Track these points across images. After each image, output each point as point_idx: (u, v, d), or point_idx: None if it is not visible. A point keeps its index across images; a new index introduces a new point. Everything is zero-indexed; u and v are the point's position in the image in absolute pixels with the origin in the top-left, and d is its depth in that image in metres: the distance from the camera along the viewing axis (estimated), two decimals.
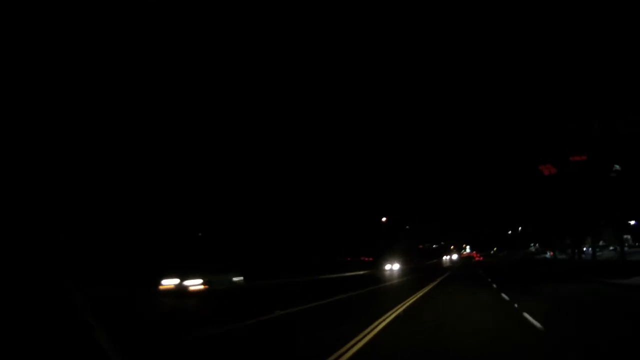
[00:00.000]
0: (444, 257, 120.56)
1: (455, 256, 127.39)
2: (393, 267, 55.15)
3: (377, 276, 39.31)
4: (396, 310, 13.05)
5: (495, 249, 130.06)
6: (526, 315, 11.03)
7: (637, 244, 56.53)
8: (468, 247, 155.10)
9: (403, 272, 49.04)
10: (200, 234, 42.16)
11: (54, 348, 7.66)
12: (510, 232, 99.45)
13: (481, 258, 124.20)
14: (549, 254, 62.83)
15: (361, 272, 44.96)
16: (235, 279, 23.55)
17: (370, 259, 68.69)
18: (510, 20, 32.56)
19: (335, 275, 37.12)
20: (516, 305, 13.61)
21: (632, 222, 50.11)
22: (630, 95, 29.29)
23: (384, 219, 69.42)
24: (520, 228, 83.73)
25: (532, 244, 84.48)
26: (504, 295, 17.19)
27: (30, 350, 7.46)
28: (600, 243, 54.33)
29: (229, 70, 35.84)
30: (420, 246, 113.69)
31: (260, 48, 36.27)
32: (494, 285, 23.27)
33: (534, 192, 47.63)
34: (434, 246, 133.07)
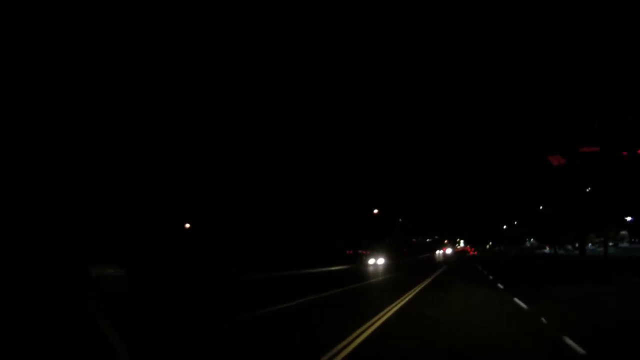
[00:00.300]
0: (437, 252, 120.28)
1: (449, 250, 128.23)
2: (378, 261, 49.48)
3: (361, 272, 35.27)
4: (373, 324, 9.58)
5: (490, 243, 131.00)
6: (571, 343, 7.22)
7: (634, 239, 57.04)
8: (462, 241, 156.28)
9: (390, 267, 43.84)
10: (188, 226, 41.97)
11: (61, 341, 7.78)
12: (505, 227, 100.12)
13: (475, 252, 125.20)
14: (547, 249, 62.72)
15: (339, 268, 39.81)
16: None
17: (368, 252, 68.25)
18: (509, 20, 32.70)
19: (306, 271, 32.67)
20: (543, 319, 9.80)
21: (629, 219, 50.70)
22: (630, 95, 29.65)
23: (375, 211, 66.58)
24: (515, 223, 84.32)
25: (528, 240, 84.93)
26: (518, 301, 13.31)
27: (40, 345, 7.65)
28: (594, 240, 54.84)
29: (226, 71, 35.72)
30: (414, 240, 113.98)
31: (258, 46, 36.08)
32: (500, 286, 19.64)
33: (533, 187, 48.09)
34: (427, 240, 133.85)
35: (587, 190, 34.98)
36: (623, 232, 54.87)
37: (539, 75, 34.33)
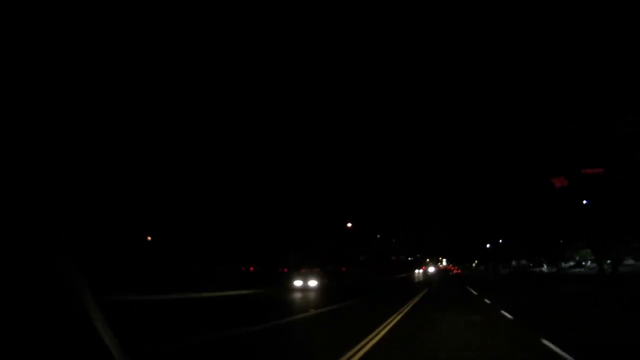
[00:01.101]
0: (417, 270, 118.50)
1: (431, 268, 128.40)
2: (309, 283, 35.70)
3: (279, 300, 24.76)
4: None
5: (476, 262, 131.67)
6: None
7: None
8: (444, 260, 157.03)
9: (336, 291, 31.76)
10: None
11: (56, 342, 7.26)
12: (488, 245, 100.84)
13: (459, 271, 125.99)
14: (545, 268, 59.97)
15: (237, 293, 26.76)
16: None
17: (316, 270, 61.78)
18: (509, 20, 33.36)
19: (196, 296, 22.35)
20: None
21: None
22: (630, 95, 30.38)
23: (349, 225, 60.98)
24: (500, 241, 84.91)
25: (516, 258, 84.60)
26: None
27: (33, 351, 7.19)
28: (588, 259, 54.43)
29: (215, 74, 35.58)
30: (393, 257, 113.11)
31: (244, 47, 36.05)
32: None
33: (523, 203, 48.31)
34: (409, 258, 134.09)
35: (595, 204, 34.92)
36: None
37: (537, 76, 34.96)
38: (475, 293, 29.13)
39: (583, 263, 57.99)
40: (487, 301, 22.66)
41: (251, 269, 48.92)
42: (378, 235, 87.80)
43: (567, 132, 32.81)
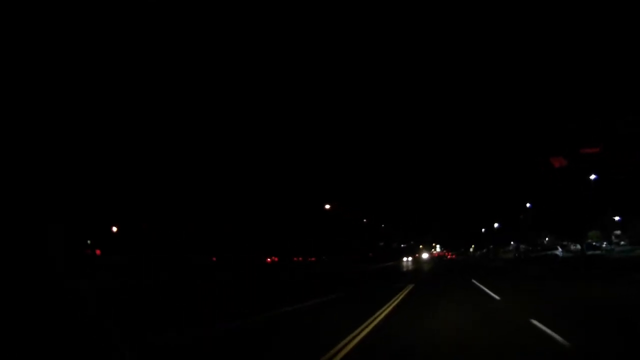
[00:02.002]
0: (404, 259, 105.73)
1: (425, 255, 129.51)
2: None
3: None
4: None
5: (473, 246, 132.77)
6: None
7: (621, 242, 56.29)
8: (438, 246, 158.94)
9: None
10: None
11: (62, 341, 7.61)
12: (483, 230, 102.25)
13: (454, 256, 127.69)
14: (560, 251, 54.74)
15: None
16: None
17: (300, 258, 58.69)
18: (509, 20, 33.91)
19: None
20: None
21: (617, 218, 52.31)
22: (630, 95, 31.19)
23: (327, 206, 54.77)
24: (496, 225, 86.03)
25: (512, 242, 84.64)
26: None
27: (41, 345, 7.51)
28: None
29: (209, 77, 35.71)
30: (381, 243, 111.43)
31: (238, 43, 36.10)
32: None
33: (522, 186, 49.23)
34: (402, 245, 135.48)
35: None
36: (618, 232, 56.02)
37: (537, 76, 35.66)
38: (497, 297, 15.11)
39: (594, 244, 55.97)
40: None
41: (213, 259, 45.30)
42: (364, 220, 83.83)
43: (567, 132, 33.61)
